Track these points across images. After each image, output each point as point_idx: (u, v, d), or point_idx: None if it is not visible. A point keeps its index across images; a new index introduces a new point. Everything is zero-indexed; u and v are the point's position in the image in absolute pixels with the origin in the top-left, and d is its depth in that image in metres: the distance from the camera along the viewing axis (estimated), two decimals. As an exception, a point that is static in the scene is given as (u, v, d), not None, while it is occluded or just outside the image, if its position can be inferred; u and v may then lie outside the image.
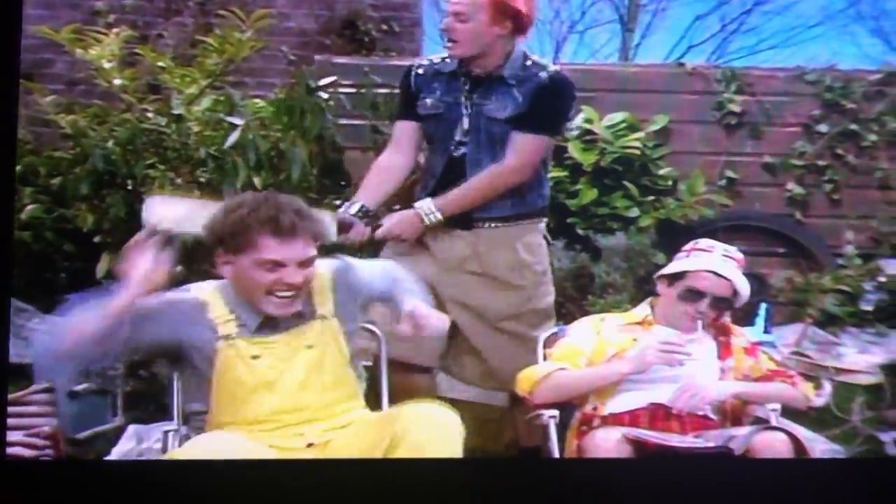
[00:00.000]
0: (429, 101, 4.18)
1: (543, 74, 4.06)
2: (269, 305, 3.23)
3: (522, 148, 4.03)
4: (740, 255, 3.85)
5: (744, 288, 3.77)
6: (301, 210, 3.28)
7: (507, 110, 4.05)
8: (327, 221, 3.65)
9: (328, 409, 3.29)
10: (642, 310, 3.89)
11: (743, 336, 3.91)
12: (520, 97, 4.04)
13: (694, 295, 3.73)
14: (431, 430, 3.12)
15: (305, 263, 3.23)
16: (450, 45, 4.12)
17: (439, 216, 4.05)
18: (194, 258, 4.10)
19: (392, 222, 4.11)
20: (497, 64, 4.08)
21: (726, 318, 3.90)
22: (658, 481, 3.28)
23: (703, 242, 3.86)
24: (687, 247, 3.87)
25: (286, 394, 3.24)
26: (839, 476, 3.43)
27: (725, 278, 3.73)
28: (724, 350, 3.78)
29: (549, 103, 4.06)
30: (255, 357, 3.23)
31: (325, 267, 3.40)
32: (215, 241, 3.26)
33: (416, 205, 4.09)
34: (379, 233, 4.08)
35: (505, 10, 4.01)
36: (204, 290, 3.32)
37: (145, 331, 3.18)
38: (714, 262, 3.76)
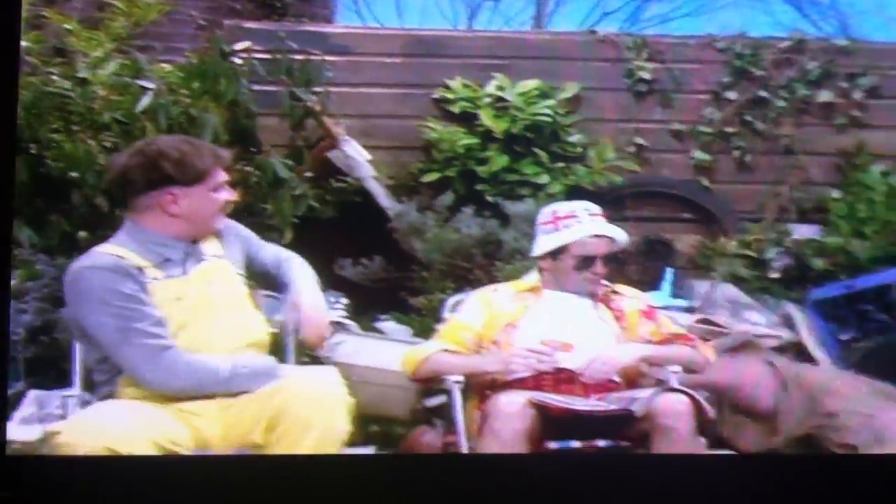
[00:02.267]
0: None
1: None
2: (216, 226, 3.42)
3: None
4: (598, 208, 3.92)
5: (620, 235, 3.85)
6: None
7: None
8: None
9: (237, 352, 3.32)
10: (532, 277, 3.93)
11: (638, 299, 3.94)
12: None
13: (588, 261, 3.78)
14: (312, 405, 3.13)
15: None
16: None
17: None
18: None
19: None
20: None
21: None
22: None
23: (563, 210, 3.90)
24: (546, 219, 3.91)
25: (200, 332, 3.27)
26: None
27: (605, 236, 3.81)
28: (618, 314, 3.82)
29: None
30: (178, 298, 3.28)
31: None
32: (165, 178, 3.30)
33: None
34: None
35: None
36: (115, 249, 3.30)
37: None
38: (590, 226, 3.83)
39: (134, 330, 3.15)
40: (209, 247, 3.43)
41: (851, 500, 3.25)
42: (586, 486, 3.22)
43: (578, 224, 3.83)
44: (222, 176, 3.39)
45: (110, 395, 3.23)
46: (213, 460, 3.17)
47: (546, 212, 3.94)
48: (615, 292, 3.91)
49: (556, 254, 3.84)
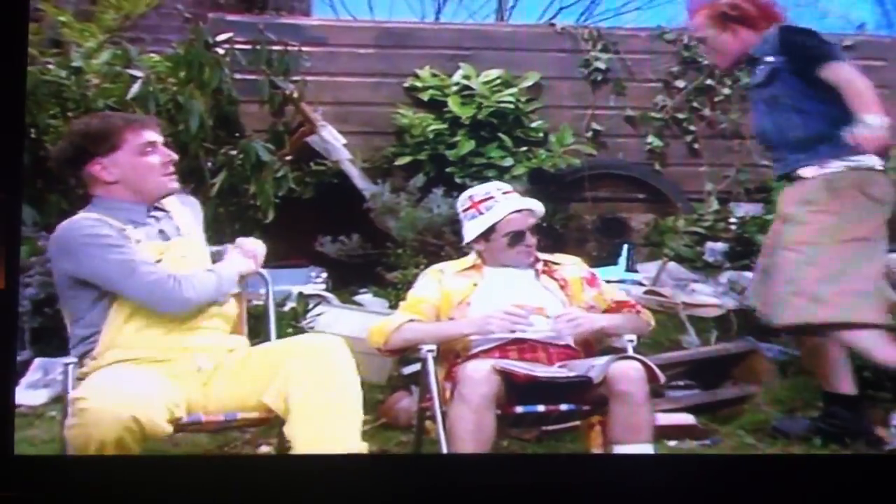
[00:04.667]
0: None
1: (775, 37, 4.10)
2: (169, 184, 3.41)
3: (831, 74, 3.99)
4: (508, 186, 3.98)
5: (537, 205, 3.88)
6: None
7: (761, 74, 4.16)
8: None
9: (208, 321, 3.36)
10: (471, 257, 3.94)
11: (579, 266, 3.97)
12: (771, 60, 4.12)
13: (518, 237, 3.82)
14: (332, 370, 3.17)
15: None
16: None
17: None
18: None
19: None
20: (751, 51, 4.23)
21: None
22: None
23: (478, 194, 3.91)
24: (466, 206, 3.92)
25: None
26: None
27: (525, 209, 3.83)
28: (562, 283, 3.85)
29: (799, 46, 4.09)
30: (158, 261, 3.30)
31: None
32: (85, 152, 3.34)
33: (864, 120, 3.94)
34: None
35: (720, 16, 4.20)
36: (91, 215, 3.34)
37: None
38: (507, 203, 3.84)
39: (137, 262, 3.21)
40: (183, 222, 3.48)
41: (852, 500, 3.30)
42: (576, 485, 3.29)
43: (497, 203, 3.84)
44: (144, 138, 3.37)
45: (91, 354, 3.25)
46: (215, 460, 3.18)
47: (463, 199, 3.95)
48: (556, 263, 3.91)
49: (486, 235, 3.85)
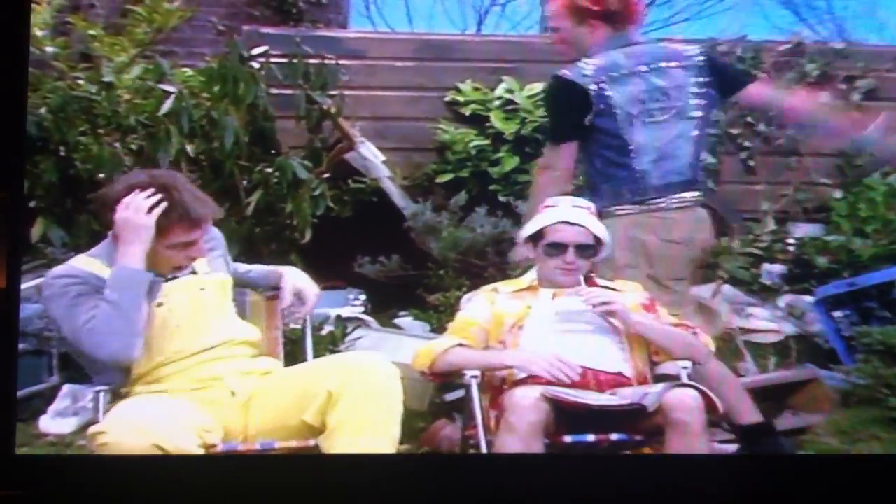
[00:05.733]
0: None
1: None
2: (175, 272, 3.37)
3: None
4: (588, 203, 3.91)
5: (601, 232, 3.83)
6: (201, 197, 3.38)
7: None
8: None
9: (233, 349, 3.38)
10: (530, 275, 3.93)
11: (638, 292, 3.92)
12: None
13: (556, 248, 3.79)
14: (373, 390, 3.19)
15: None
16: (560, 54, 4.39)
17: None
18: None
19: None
20: None
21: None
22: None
23: (552, 199, 3.92)
24: (540, 207, 3.93)
25: (193, 333, 3.32)
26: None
27: (578, 224, 3.79)
28: None
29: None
30: (159, 305, 3.28)
31: None
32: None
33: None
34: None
35: (580, 10, 4.23)
36: (84, 260, 3.33)
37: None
38: (563, 212, 3.82)
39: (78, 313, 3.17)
40: (199, 265, 3.46)
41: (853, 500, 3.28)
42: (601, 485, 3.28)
43: (554, 210, 3.85)
44: (189, 237, 3.31)
45: (118, 393, 3.27)
46: (217, 460, 3.18)
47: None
48: (614, 289, 3.86)
49: (535, 240, 3.85)
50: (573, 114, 4.14)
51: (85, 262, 3.30)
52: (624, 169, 4.14)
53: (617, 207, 4.11)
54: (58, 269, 3.30)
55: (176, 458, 3.00)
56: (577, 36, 4.22)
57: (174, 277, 3.35)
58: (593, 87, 4.11)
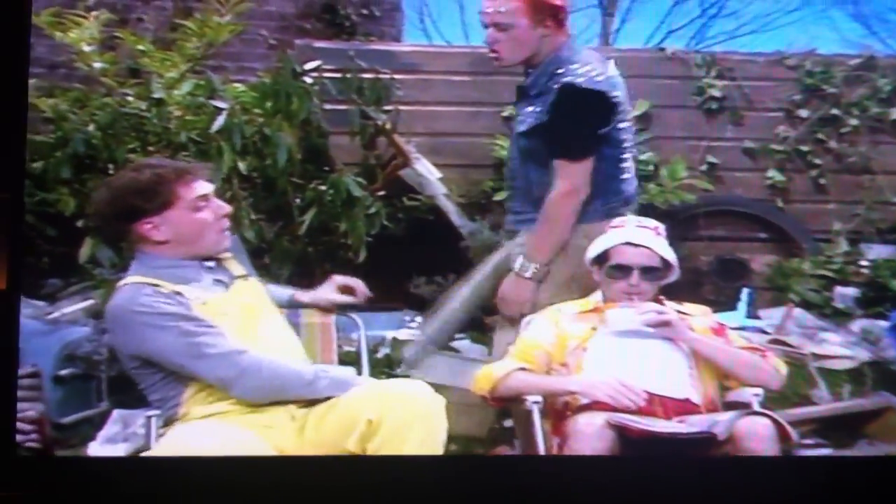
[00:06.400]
0: None
1: (556, 87, 3.99)
2: (224, 241, 3.46)
3: (561, 173, 4.01)
4: (655, 224, 3.88)
5: (668, 254, 3.80)
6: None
7: (524, 124, 4.08)
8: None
9: None
10: (595, 296, 3.89)
11: (707, 316, 3.90)
12: (538, 113, 4.04)
13: (620, 270, 3.77)
14: (413, 412, 3.17)
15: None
16: (494, 56, 4.13)
17: (536, 266, 4.05)
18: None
19: (507, 297, 4.12)
20: (534, 68, 4.09)
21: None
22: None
23: (617, 219, 3.89)
24: (605, 227, 3.89)
25: (249, 346, 3.31)
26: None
27: (642, 246, 3.75)
28: None
29: (560, 122, 3.98)
30: (224, 314, 3.34)
31: None
32: (135, 210, 3.34)
33: (515, 268, 4.09)
34: (507, 313, 4.14)
35: (543, 8, 4.02)
36: (142, 280, 3.33)
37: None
38: (627, 233, 3.79)
39: (202, 342, 3.21)
40: (235, 266, 3.51)
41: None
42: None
43: (621, 231, 3.82)
44: (196, 192, 3.39)
45: (174, 416, 3.28)
46: (216, 460, 3.19)
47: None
48: (684, 313, 3.84)
49: (599, 262, 3.83)
50: (604, 125, 4.04)
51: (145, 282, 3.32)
52: (618, 182, 4.11)
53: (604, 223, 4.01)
54: (132, 294, 3.29)
55: (176, 459, 3.03)
56: (532, 37, 4.07)
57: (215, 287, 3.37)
58: (616, 94, 4.08)
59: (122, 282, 3.35)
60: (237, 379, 3.20)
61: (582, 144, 4.02)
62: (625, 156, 4.14)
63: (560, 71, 4.01)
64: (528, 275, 4.04)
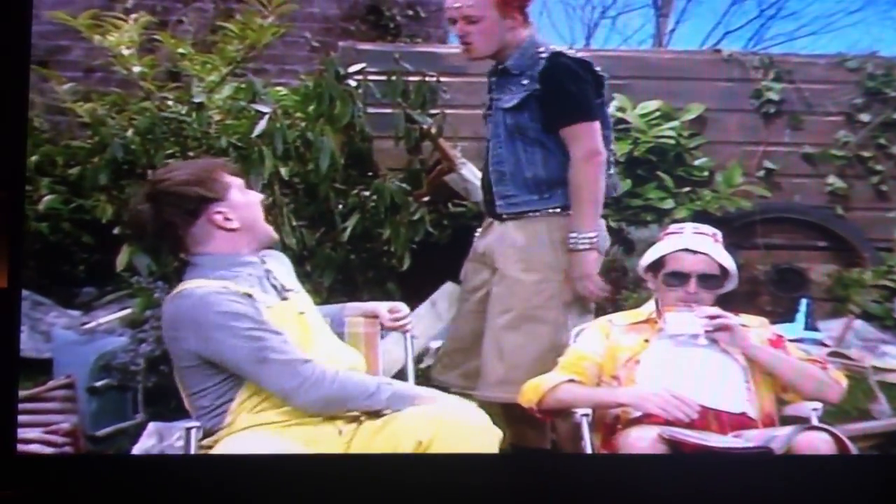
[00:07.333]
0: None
1: (542, 61, 4.09)
2: (270, 228, 3.55)
3: (573, 139, 4.06)
4: (713, 230, 3.88)
5: (726, 261, 3.80)
6: None
7: (513, 100, 4.12)
8: None
9: None
10: (648, 307, 3.89)
11: (765, 327, 3.88)
12: (525, 85, 4.11)
13: (677, 278, 3.77)
14: (467, 435, 3.19)
15: None
16: (464, 47, 4.23)
17: (589, 236, 4.06)
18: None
19: (581, 275, 4.11)
20: (509, 55, 4.17)
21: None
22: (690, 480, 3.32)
23: (674, 226, 3.92)
24: (660, 234, 3.90)
25: (311, 355, 3.34)
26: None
27: (700, 252, 3.75)
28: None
29: (555, 90, 4.07)
30: (286, 321, 3.36)
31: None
32: (204, 200, 3.38)
33: (570, 243, 4.08)
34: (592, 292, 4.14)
35: (511, 2, 4.11)
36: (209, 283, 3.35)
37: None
38: (684, 240, 3.80)
39: (269, 347, 3.22)
40: (281, 273, 3.53)
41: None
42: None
43: (678, 237, 3.82)
44: (235, 178, 3.47)
45: (219, 424, 3.29)
46: (216, 460, 3.20)
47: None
48: (742, 325, 3.81)
49: (655, 269, 3.83)
50: (597, 95, 4.16)
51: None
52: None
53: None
54: (205, 291, 3.29)
55: (176, 459, 3.04)
56: (501, 29, 4.17)
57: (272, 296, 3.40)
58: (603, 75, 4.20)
59: (182, 287, 3.35)
60: (299, 388, 3.21)
61: (588, 105, 4.12)
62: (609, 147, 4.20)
63: (541, 49, 4.14)
64: (584, 247, 4.04)
